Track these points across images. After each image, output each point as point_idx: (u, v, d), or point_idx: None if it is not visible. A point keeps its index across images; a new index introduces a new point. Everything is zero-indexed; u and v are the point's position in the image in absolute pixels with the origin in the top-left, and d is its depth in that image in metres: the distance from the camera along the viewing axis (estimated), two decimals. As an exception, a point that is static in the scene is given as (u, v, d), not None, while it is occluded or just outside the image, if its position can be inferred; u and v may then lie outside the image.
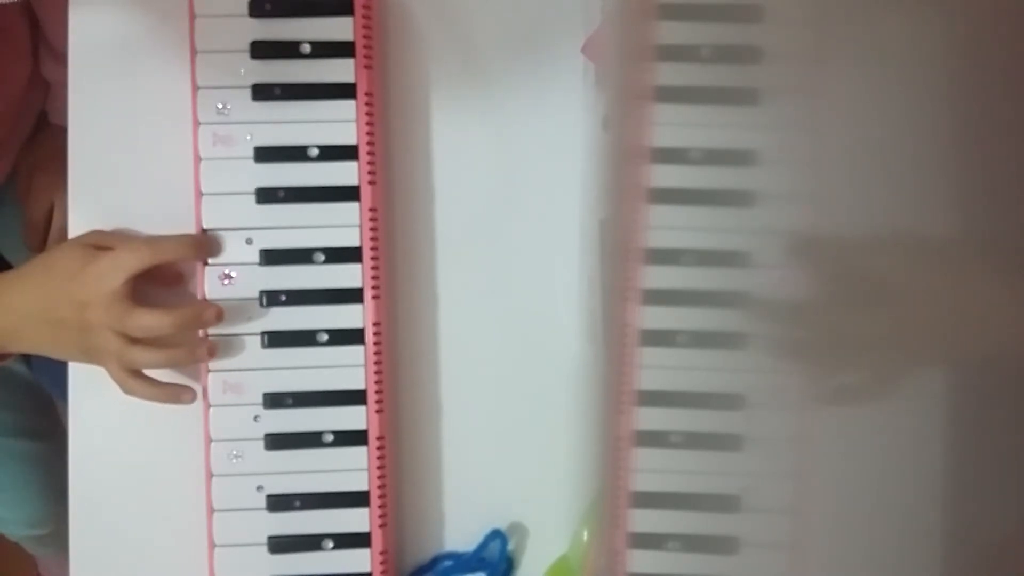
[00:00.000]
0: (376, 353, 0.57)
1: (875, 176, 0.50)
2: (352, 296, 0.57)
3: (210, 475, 0.57)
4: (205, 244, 0.57)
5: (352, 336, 0.57)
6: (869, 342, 0.50)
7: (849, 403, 0.51)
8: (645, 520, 0.54)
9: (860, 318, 0.50)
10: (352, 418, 0.57)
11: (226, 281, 0.57)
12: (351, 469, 0.57)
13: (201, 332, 0.57)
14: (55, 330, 0.55)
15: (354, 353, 0.57)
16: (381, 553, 0.57)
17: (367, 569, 0.57)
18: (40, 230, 0.80)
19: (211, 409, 0.57)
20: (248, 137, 0.57)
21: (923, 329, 0.50)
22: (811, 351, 0.52)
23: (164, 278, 0.58)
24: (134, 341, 0.54)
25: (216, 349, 0.56)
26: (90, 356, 0.56)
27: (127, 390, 0.56)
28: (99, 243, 0.56)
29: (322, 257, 0.57)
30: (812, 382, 0.52)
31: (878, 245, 0.50)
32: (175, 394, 0.56)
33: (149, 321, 0.54)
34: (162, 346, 0.55)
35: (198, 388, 0.57)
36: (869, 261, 0.50)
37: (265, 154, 0.57)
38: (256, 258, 0.57)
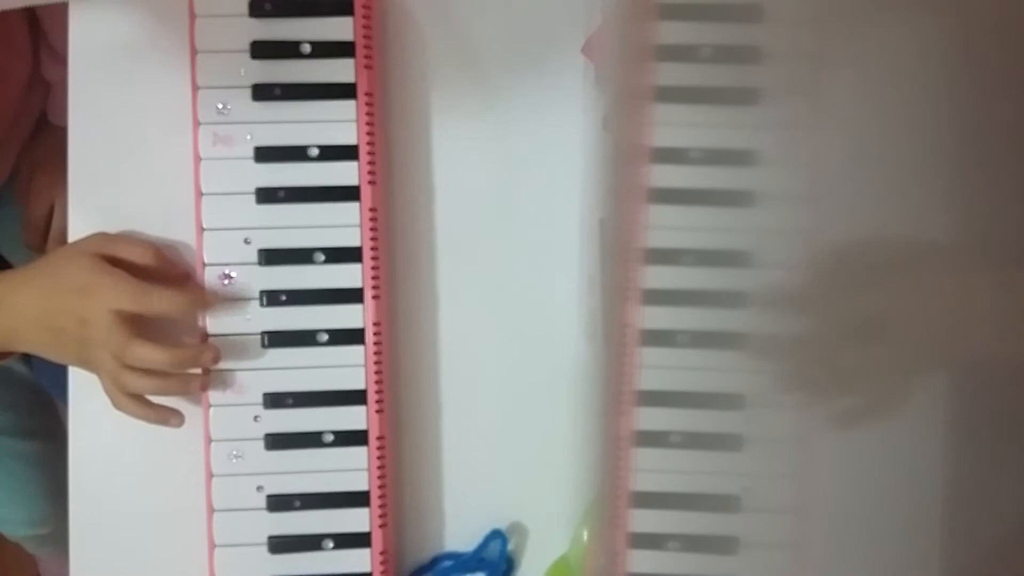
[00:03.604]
0: (376, 353, 0.57)
1: (874, 176, 0.50)
2: (352, 296, 0.57)
3: (210, 475, 0.57)
4: (209, 303, 0.57)
5: (352, 336, 0.57)
6: (867, 342, 0.50)
7: (851, 415, 0.51)
8: (645, 520, 0.54)
9: (859, 318, 0.50)
10: (352, 418, 0.57)
11: (226, 281, 0.57)
12: (351, 469, 0.57)
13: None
14: (55, 337, 0.55)
15: (354, 353, 0.57)
16: (381, 553, 0.57)
17: (367, 569, 0.57)
18: (40, 230, 0.80)
19: (211, 409, 0.57)
20: (248, 137, 0.57)
21: (922, 330, 0.50)
22: (809, 351, 0.52)
23: (168, 278, 0.57)
24: (129, 366, 0.54)
25: (208, 384, 0.56)
26: (86, 366, 0.56)
27: (117, 407, 0.56)
28: (107, 252, 0.56)
29: (322, 257, 0.57)
30: (811, 387, 0.52)
31: (876, 244, 0.50)
32: (164, 417, 0.56)
33: (146, 355, 0.54)
34: (156, 375, 0.55)
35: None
36: (867, 261, 0.50)
37: (265, 154, 0.57)
38: (256, 258, 0.57)
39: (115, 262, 0.56)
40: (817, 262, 0.51)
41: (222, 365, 0.57)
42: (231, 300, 0.57)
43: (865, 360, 0.51)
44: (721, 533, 0.53)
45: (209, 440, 0.57)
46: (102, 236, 0.57)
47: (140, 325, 0.55)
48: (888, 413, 0.51)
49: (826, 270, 0.51)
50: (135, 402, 0.56)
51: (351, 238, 0.57)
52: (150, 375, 0.55)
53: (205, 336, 0.57)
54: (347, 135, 0.57)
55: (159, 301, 0.55)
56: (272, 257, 0.57)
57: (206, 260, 0.57)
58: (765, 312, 0.52)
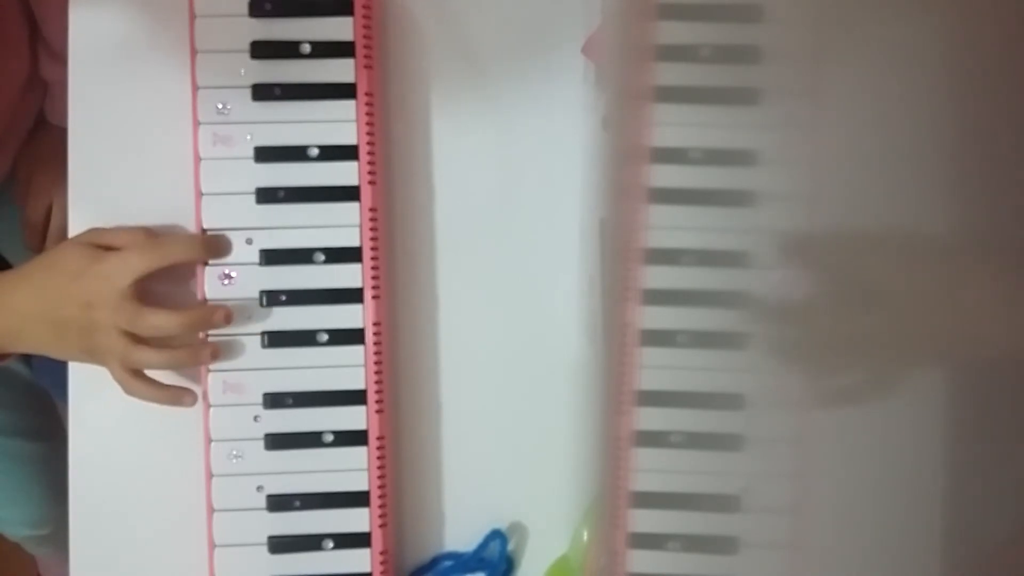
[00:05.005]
0: (376, 353, 0.57)
1: (874, 176, 0.50)
2: (352, 296, 0.57)
3: (210, 475, 0.57)
4: (213, 244, 0.57)
5: (352, 336, 0.57)
6: (868, 343, 0.50)
7: (848, 404, 0.51)
8: (645, 520, 0.54)
9: (859, 319, 0.50)
10: (352, 418, 0.57)
11: (226, 281, 0.57)
12: (351, 469, 0.57)
13: (202, 334, 0.57)
14: (58, 330, 0.55)
15: (354, 353, 0.57)
16: (381, 553, 0.57)
17: (367, 569, 0.57)
18: (40, 230, 0.80)
19: (211, 409, 0.57)
20: (248, 137, 0.57)
21: (922, 329, 0.50)
22: (809, 351, 0.52)
23: (170, 275, 0.57)
24: (139, 341, 0.54)
25: (219, 352, 0.56)
26: (92, 356, 0.56)
27: (129, 391, 0.56)
28: (101, 242, 0.56)
29: (322, 257, 0.57)
30: (811, 383, 0.52)
31: (877, 245, 0.50)
32: (176, 396, 0.56)
33: (159, 321, 0.54)
34: (166, 348, 0.55)
35: (198, 388, 0.57)
36: (868, 261, 0.50)
37: (265, 154, 0.57)
38: (256, 258, 0.57)
39: (109, 250, 0.56)
40: (816, 262, 0.51)
41: (222, 365, 0.57)
42: (231, 299, 0.57)
43: (864, 361, 0.51)
44: (721, 533, 0.53)
45: (209, 440, 0.57)
46: (97, 231, 0.57)
47: (145, 298, 0.55)
48: (887, 409, 0.51)
49: (826, 270, 0.51)
50: (146, 384, 0.56)
51: (351, 238, 0.57)
52: (161, 349, 0.55)
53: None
54: (347, 135, 0.57)
55: (173, 244, 0.55)
56: (272, 257, 0.57)
57: (207, 260, 0.57)
58: (765, 312, 0.52)
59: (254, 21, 0.57)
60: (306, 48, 0.57)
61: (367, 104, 0.57)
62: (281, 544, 0.57)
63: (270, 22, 0.57)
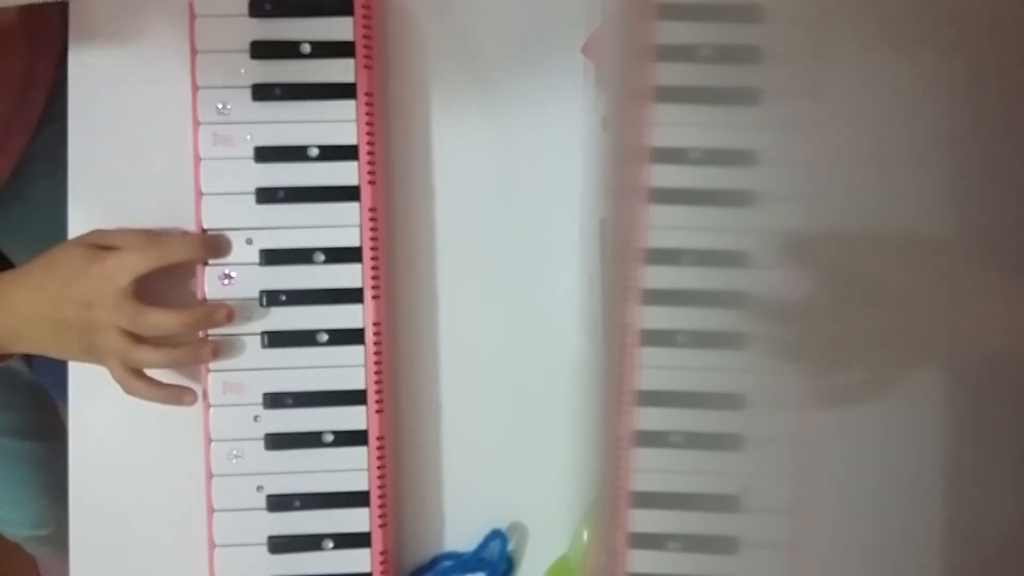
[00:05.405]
0: (376, 353, 0.57)
1: (874, 176, 0.50)
2: (352, 296, 0.57)
3: (210, 475, 0.57)
4: (213, 244, 0.57)
5: (352, 336, 0.57)
6: (868, 342, 0.51)
7: (847, 403, 0.51)
8: (645, 520, 0.54)
9: (859, 319, 0.50)
10: (352, 418, 0.57)
11: (226, 281, 0.57)
12: (351, 469, 0.57)
13: (201, 332, 0.57)
14: (57, 330, 0.55)
15: (354, 353, 0.57)
16: (381, 553, 0.57)
17: (367, 569, 0.57)
18: None
19: (211, 409, 0.57)
20: (248, 137, 0.57)
21: (922, 329, 0.50)
22: (810, 351, 0.52)
23: (170, 275, 0.57)
24: (139, 341, 0.54)
25: (220, 350, 0.56)
26: (92, 356, 0.56)
27: (129, 390, 0.56)
28: (102, 243, 0.56)
29: (322, 257, 0.57)
30: (811, 383, 0.52)
31: (877, 245, 0.50)
32: (176, 395, 0.56)
33: (160, 320, 0.54)
34: (166, 346, 0.55)
35: (198, 388, 0.57)
36: (868, 261, 0.50)
37: (265, 154, 0.57)
38: (256, 258, 0.57)
39: (108, 250, 0.56)
40: (816, 262, 0.51)
41: (222, 365, 0.57)
42: (231, 299, 0.57)
43: (864, 361, 0.51)
44: (721, 533, 0.53)
45: (209, 440, 0.57)
46: (98, 232, 0.57)
47: (145, 298, 0.55)
48: (887, 409, 0.51)
49: (826, 270, 0.51)
50: (147, 383, 0.56)
51: (351, 238, 0.57)
52: (161, 347, 0.55)
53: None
54: (347, 135, 0.57)
55: (172, 244, 0.55)
56: (272, 257, 0.57)
57: (207, 260, 0.57)
58: (765, 311, 0.52)
59: (254, 21, 0.57)
60: (306, 48, 0.57)
61: (367, 104, 0.57)
62: (281, 544, 0.57)
63: (270, 22, 0.57)
